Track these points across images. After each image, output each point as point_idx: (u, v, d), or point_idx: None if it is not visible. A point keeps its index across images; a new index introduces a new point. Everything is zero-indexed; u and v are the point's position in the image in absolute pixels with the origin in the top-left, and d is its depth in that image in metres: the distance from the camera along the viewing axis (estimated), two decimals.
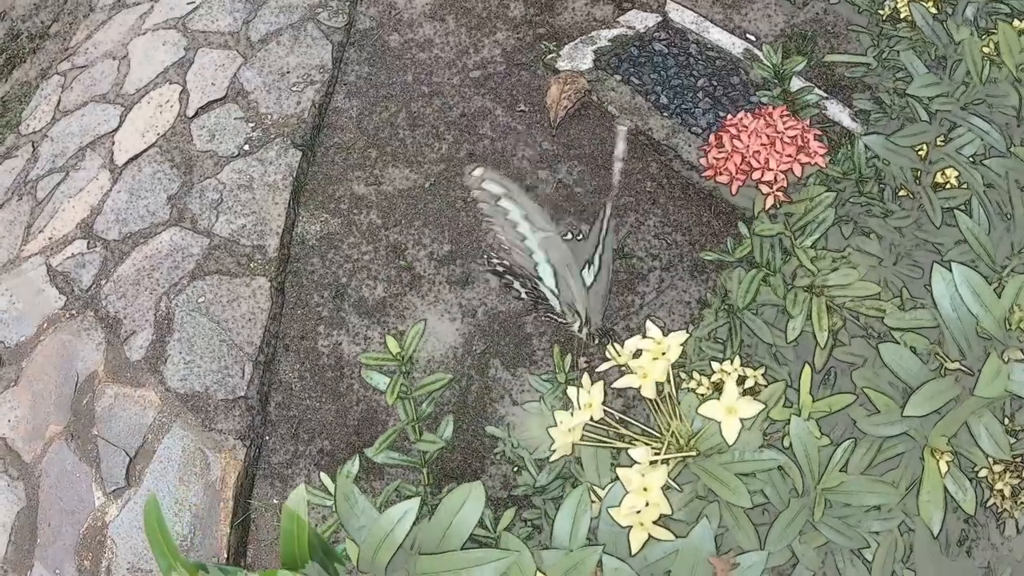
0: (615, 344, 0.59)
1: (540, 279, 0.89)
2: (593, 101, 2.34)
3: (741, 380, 0.96)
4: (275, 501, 1.79)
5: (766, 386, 0.98)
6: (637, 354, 0.58)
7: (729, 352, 1.06)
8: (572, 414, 0.61)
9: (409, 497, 1.18)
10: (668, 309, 1.97)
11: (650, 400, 0.59)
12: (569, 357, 1.06)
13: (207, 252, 2.09)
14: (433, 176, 2.24)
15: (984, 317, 0.59)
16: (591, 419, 0.58)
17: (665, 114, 2.26)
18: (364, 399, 1.89)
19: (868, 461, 0.71)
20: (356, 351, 1.95)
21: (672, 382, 0.56)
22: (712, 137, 0.93)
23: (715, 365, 0.98)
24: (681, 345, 0.56)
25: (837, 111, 2.22)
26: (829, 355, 0.94)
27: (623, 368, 0.59)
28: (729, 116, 0.94)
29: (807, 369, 0.76)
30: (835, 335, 0.96)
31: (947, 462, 0.67)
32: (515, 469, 1.23)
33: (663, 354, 0.56)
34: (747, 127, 0.89)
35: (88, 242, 2.17)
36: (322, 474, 1.10)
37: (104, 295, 2.05)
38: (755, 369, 0.97)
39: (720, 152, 0.89)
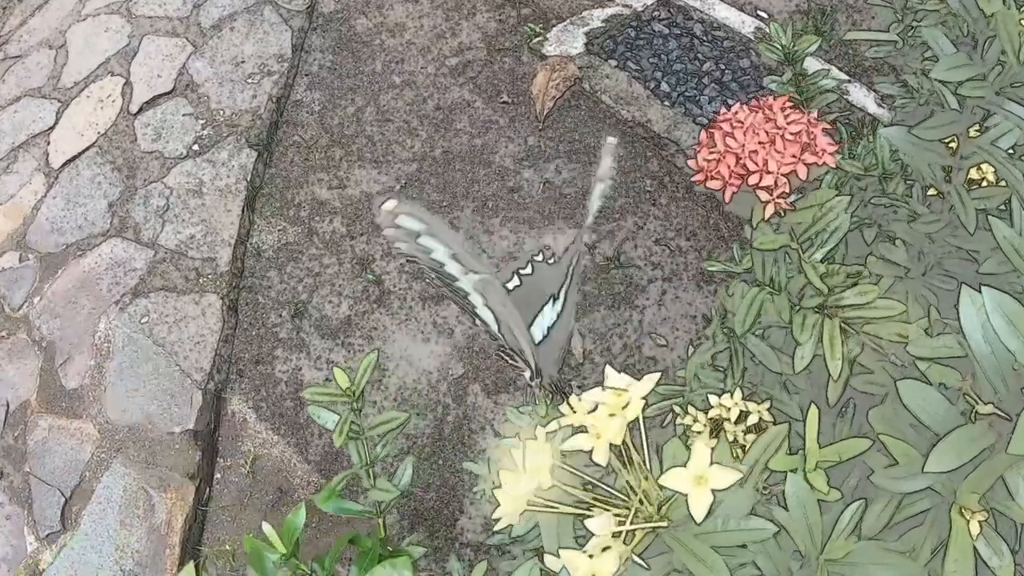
0: (569, 398, 0.54)
1: (484, 322, 0.83)
2: (585, 90, 2.29)
3: (743, 416, 0.91)
4: (228, 547, 1.75)
5: (774, 422, 0.93)
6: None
7: (730, 382, 1.01)
8: (520, 477, 0.56)
9: (366, 551, 1.12)
10: (671, 325, 1.92)
11: (617, 468, 0.54)
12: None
13: (152, 266, 2.06)
14: (404, 178, 2.20)
15: (1021, 352, 0.54)
16: (540, 486, 0.52)
17: (666, 103, 2.22)
18: (327, 432, 1.85)
19: (886, 520, 0.66)
20: (318, 377, 1.91)
21: (632, 444, 0.51)
22: (702, 134, 0.88)
23: (713, 399, 0.93)
24: (644, 398, 0.50)
25: (861, 96, 2.17)
26: (845, 386, 0.89)
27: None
28: (723, 110, 0.88)
29: (813, 412, 0.70)
30: (852, 363, 0.91)
31: (979, 522, 0.62)
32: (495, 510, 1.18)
33: (623, 408, 0.50)
34: (743, 123, 0.84)
35: (20, 255, 2.14)
36: (264, 524, 1.06)
37: (37, 315, 2.02)
38: (760, 403, 0.92)
39: (711, 152, 0.84)
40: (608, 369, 0.56)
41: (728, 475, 0.47)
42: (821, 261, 0.88)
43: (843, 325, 0.88)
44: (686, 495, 0.48)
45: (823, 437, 0.83)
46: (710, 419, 0.92)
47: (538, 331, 0.86)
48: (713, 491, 0.47)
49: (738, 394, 0.90)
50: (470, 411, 1.85)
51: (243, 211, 2.14)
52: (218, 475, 1.84)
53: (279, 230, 2.14)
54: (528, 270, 0.89)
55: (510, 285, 0.87)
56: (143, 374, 1.90)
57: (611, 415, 0.53)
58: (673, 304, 1.95)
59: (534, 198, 2.12)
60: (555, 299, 0.86)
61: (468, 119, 2.29)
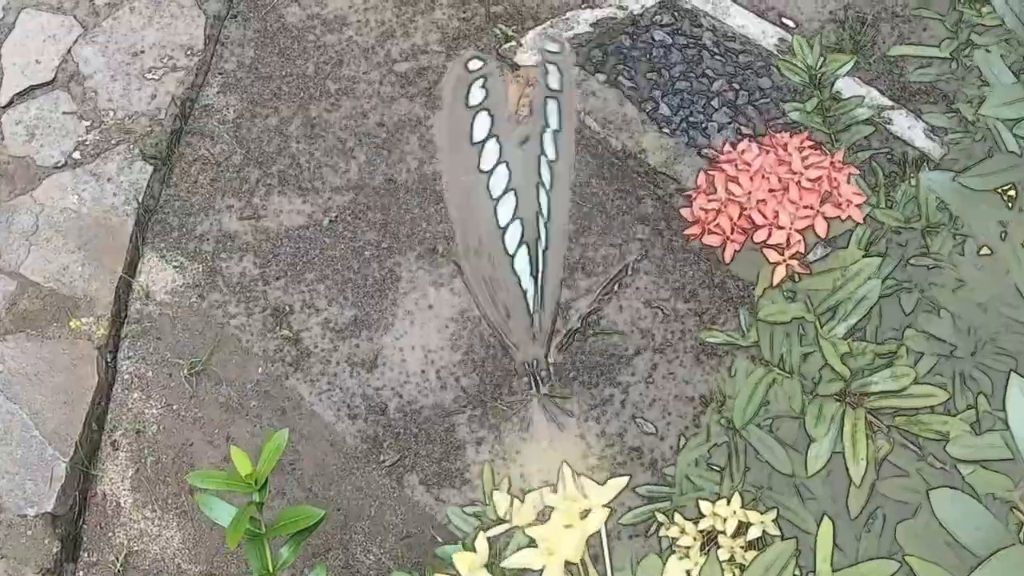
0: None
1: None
2: None
3: (743, 528, 0.91)
4: None
5: (781, 537, 0.93)
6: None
7: (728, 486, 1.01)
8: None
9: None
10: (661, 408, 1.93)
11: None
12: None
13: (11, 301, 2.06)
14: (335, 210, 2.21)
15: None
16: None
17: (666, 130, 2.24)
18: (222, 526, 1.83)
19: None
20: (215, 456, 1.91)
21: (588, 563, 0.50)
22: (700, 177, 0.88)
23: (705, 506, 0.92)
24: (607, 505, 0.50)
25: (906, 126, 2.20)
26: (871, 492, 0.89)
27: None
28: (727, 147, 0.89)
29: (826, 526, 0.70)
30: (881, 464, 0.91)
31: None
32: None
33: (583, 517, 0.50)
34: (750, 165, 0.84)
35: None
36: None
37: None
38: (764, 512, 0.92)
39: (711, 200, 0.84)
40: (564, 467, 0.56)
41: None
42: (844, 337, 0.88)
43: (870, 417, 0.88)
44: None
45: (843, 555, 0.83)
46: (701, 531, 0.92)
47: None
48: None
49: (736, 500, 0.90)
50: (406, 508, 1.85)
51: (132, 239, 2.14)
52: (80, 574, 1.83)
53: (175, 267, 2.14)
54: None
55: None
56: None
57: (567, 526, 0.52)
58: (665, 382, 1.96)
59: None
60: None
61: (418, 140, 2.30)
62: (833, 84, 1.20)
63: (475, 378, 1.97)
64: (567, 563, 0.52)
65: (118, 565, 1.81)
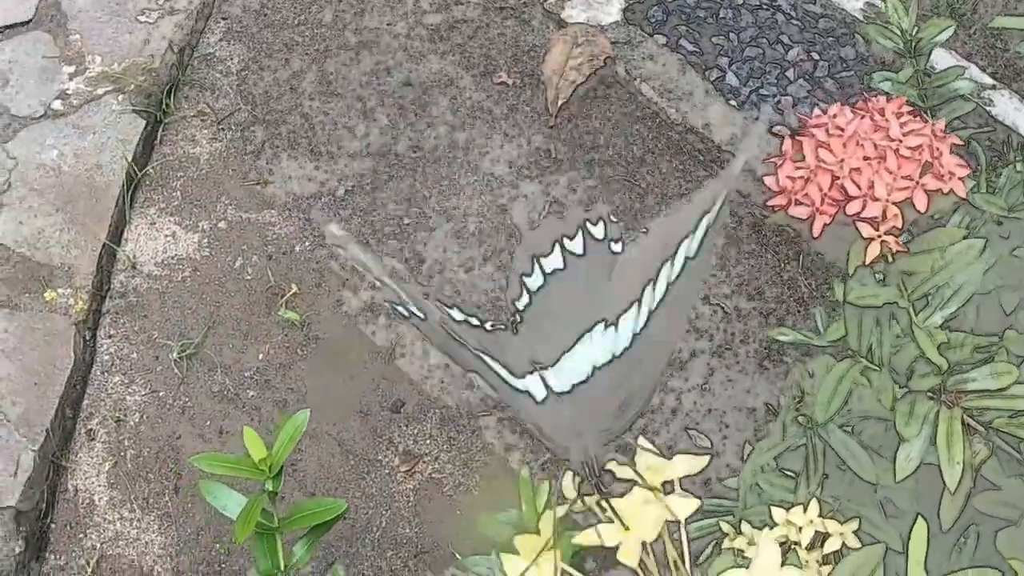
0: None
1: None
2: (618, 75, 2.34)
3: (821, 539, 0.93)
4: None
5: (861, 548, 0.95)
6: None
7: (803, 493, 1.03)
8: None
9: None
10: (718, 419, 1.94)
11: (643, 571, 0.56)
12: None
13: None
14: (352, 179, 2.23)
15: None
16: None
17: (733, 102, 2.26)
18: (214, 525, 1.86)
19: None
20: (204, 450, 1.92)
21: (672, 542, 0.54)
22: (786, 143, 0.91)
23: (778, 514, 0.95)
24: (696, 473, 0.53)
25: (1010, 108, 2.21)
26: (966, 503, 0.92)
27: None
28: (817, 112, 0.92)
29: (920, 528, 0.73)
30: (977, 471, 0.94)
31: None
32: None
33: (657, 490, 0.53)
34: (843, 131, 0.87)
35: None
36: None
37: None
38: (844, 522, 0.94)
39: (798, 168, 0.87)
40: (642, 440, 0.58)
41: None
42: (941, 327, 0.91)
43: (967, 418, 0.91)
44: None
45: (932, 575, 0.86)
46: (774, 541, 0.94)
47: (572, 367, 0.68)
48: None
49: (814, 507, 0.93)
50: (420, 520, 1.87)
51: (119, 202, 2.16)
52: None
53: (167, 236, 2.16)
54: (578, 245, 0.71)
55: (548, 265, 0.71)
56: None
57: (646, 503, 0.55)
58: (723, 389, 1.97)
59: (535, 223, 2.16)
60: (611, 322, 0.67)
61: (449, 104, 2.32)
62: (930, 53, 1.22)
63: None
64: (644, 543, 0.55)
65: (88, 570, 1.82)
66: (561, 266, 0.70)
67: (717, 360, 2.01)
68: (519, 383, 0.66)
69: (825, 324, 1.10)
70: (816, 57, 2.34)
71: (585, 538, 0.57)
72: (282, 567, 1.09)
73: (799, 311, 2.04)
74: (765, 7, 2.43)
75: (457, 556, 1.81)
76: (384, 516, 1.88)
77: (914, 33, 1.21)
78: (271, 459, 1.06)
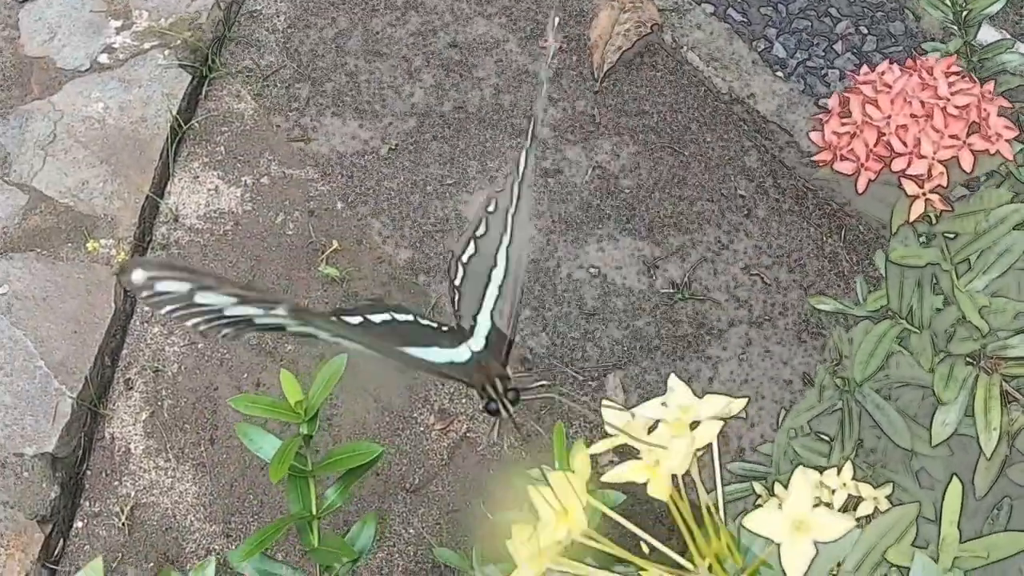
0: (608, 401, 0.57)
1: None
2: (665, 43, 2.34)
3: (854, 503, 0.93)
4: None
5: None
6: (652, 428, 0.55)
7: (837, 456, 1.03)
8: (538, 525, 0.59)
9: None
10: (754, 388, 1.94)
11: (676, 507, 0.56)
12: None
13: (21, 216, 2.09)
14: (396, 138, 2.23)
15: None
16: (567, 537, 0.55)
17: (780, 73, 2.25)
18: (246, 477, 1.88)
19: None
20: (230, 393, 1.93)
21: (699, 475, 0.54)
22: (833, 99, 0.91)
23: (811, 475, 0.95)
24: (723, 419, 0.53)
25: None
26: (1001, 471, 0.92)
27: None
28: (864, 69, 0.92)
29: (955, 487, 0.73)
30: (1013, 441, 0.94)
31: None
32: None
33: (689, 426, 0.53)
34: (890, 87, 0.87)
35: None
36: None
37: None
38: (877, 487, 0.94)
39: (844, 124, 0.87)
40: (673, 378, 0.59)
41: (838, 523, 0.50)
42: (982, 291, 0.91)
43: (1005, 385, 0.91)
44: (778, 546, 0.50)
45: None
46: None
47: (483, 320, 0.84)
48: (816, 544, 0.50)
49: (848, 470, 0.93)
50: (454, 480, 1.88)
51: (163, 156, 2.17)
52: (79, 523, 1.85)
53: (210, 189, 2.17)
54: (483, 229, 0.86)
55: (465, 256, 0.86)
56: None
57: (675, 436, 0.55)
58: (760, 360, 1.98)
59: (577, 187, 2.16)
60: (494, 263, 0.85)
61: (495, 65, 2.32)
62: (980, 26, 1.21)
63: (544, 339, 2.01)
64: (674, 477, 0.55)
65: (123, 518, 1.83)
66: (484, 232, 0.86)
67: (755, 331, 2.01)
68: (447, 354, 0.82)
69: (865, 294, 1.10)
70: (864, 31, 2.33)
71: (614, 475, 0.57)
72: (314, 511, 1.09)
73: (839, 285, 2.04)
74: None
75: (489, 516, 1.82)
76: (417, 473, 1.89)
77: (964, 3, 1.20)
78: (307, 402, 1.06)
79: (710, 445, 0.57)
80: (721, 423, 0.55)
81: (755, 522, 0.51)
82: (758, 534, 0.50)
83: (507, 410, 0.79)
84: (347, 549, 1.06)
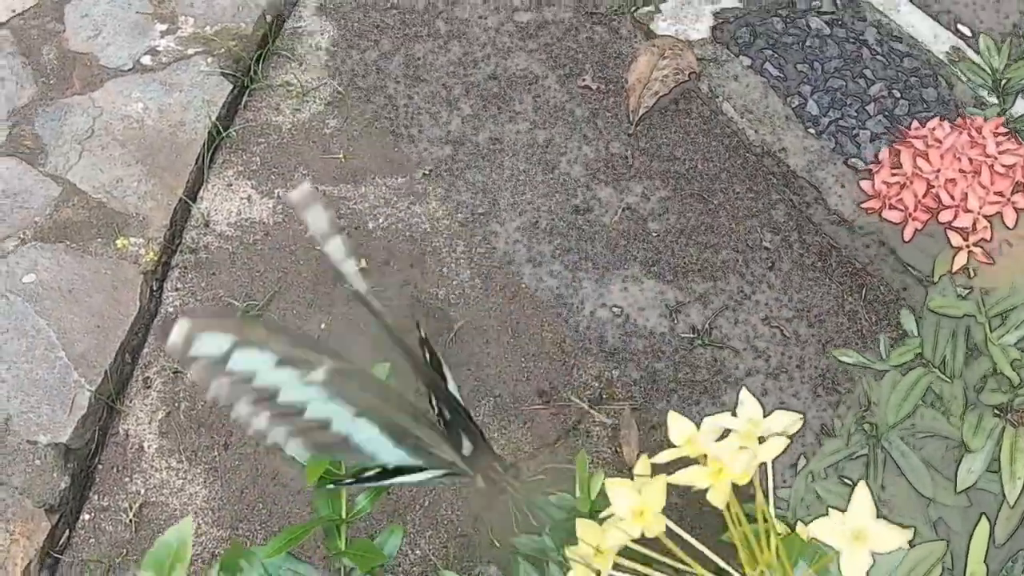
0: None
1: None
2: (701, 91, 2.36)
3: None
4: None
5: None
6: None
7: None
8: (604, 525, 0.61)
9: None
10: None
11: (733, 519, 0.59)
12: None
13: (54, 207, 2.11)
14: (431, 164, 2.25)
15: None
16: (635, 538, 0.58)
17: (812, 130, 2.27)
18: (260, 482, 1.89)
19: None
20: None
21: (762, 488, 0.57)
22: (885, 152, 0.94)
23: (833, 515, 0.97)
24: (788, 437, 0.56)
25: None
26: (1021, 521, 0.94)
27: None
28: (915, 124, 0.95)
29: (983, 528, 0.76)
30: None
31: None
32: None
33: (758, 440, 0.56)
34: (940, 142, 0.90)
35: None
36: None
37: None
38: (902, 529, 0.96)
39: (895, 175, 0.90)
40: (744, 392, 0.61)
41: (895, 535, 0.53)
42: (1015, 345, 0.93)
43: None
44: (838, 553, 0.53)
45: None
46: None
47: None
48: (872, 555, 0.53)
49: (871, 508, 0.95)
50: (462, 504, 1.87)
51: (198, 161, 2.19)
52: (86, 516, 1.85)
53: (243, 198, 2.18)
54: None
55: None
56: (11, 353, 1.93)
57: (741, 447, 0.58)
58: (775, 410, 1.98)
59: (606, 227, 2.18)
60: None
61: (532, 101, 2.34)
62: (1017, 95, 1.24)
63: (563, 374, 2.01)
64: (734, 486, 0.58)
65: (131, 514, 1.83)
66: None
67: (772, 382, 2.01)
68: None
69: (888, 350, 1.12)
70: (898, 95, 2.35)
71: (678, 478, 0.59)
72: (344, 515, 1.10)
73: (857, 343, 2.04)
74: (852, 40, 2.44)
75: (496, 544, 1.82)
76: (428, 496, 1.89)
77: (1002, 72, 1.23)
78: None
79: (763, 463, 0.60)
80: (787, 440, 0.57)
81: (819, 529, 0.54)
82: (821, 541, 0.53)
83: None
84: (378, 553, 1.07)
